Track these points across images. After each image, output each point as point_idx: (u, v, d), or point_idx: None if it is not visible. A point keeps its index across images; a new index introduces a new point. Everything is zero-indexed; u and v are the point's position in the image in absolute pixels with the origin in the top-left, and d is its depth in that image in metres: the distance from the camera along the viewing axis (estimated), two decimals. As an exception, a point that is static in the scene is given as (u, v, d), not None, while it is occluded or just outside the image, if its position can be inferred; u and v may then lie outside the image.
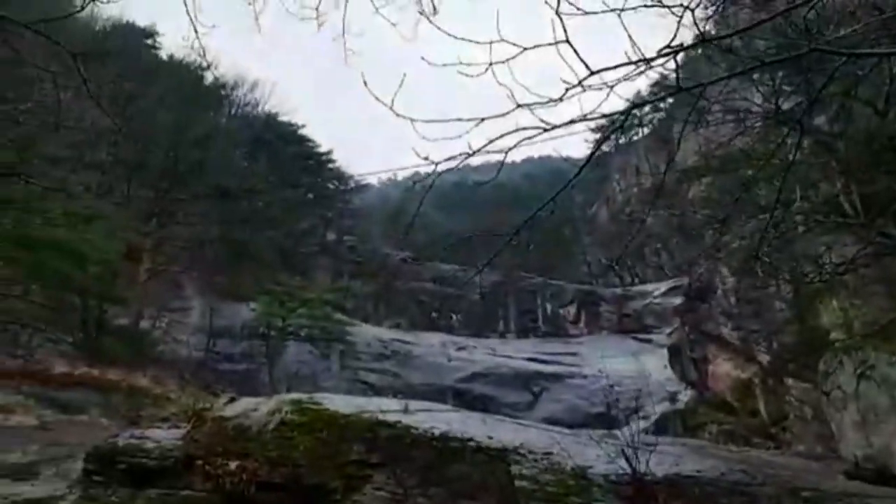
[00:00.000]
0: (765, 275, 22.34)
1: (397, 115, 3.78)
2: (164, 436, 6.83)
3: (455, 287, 41.97)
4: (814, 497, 6.06)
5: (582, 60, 3.24)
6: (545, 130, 4.81)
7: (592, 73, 3.28)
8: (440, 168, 4.67)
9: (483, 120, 3.75)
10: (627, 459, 5.71)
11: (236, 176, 38.36)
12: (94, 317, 26.66)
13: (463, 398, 27.31)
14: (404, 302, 43.09)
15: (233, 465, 6.17)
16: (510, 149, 5.18)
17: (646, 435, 11.17)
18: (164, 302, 31.44)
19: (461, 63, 3.42)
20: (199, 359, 30.86)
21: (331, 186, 52.13)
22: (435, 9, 6.00)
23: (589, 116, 4.94)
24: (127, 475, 6.52)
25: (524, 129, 4.75)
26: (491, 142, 5.06)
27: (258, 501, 6.15)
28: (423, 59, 3.91)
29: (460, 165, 5.24)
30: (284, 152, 45.60)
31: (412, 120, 3.66)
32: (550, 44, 3.27)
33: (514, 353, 32.85)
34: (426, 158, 4.64)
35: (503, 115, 3.76)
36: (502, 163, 5.05)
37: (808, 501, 5.99)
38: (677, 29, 3.46)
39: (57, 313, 23.89)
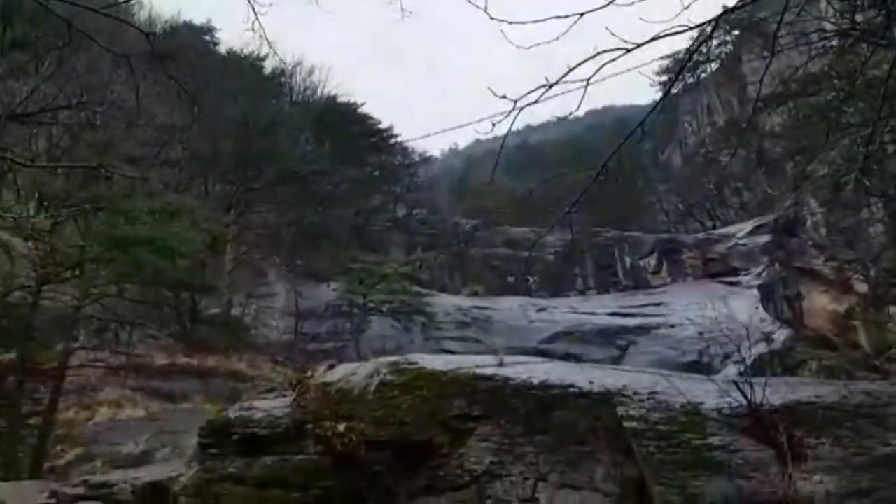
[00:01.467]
0: (856, 200, 21.09)
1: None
2: (271, 405, 7.06)
3: (528, 249, 41.68)
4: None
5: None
6: (628, 51, 4.55)
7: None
8: (520, 104, 4.50)
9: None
10: (741, 391, 5.46)
11: (304, 160, 39.12)
12: (188, 308, 27.96)
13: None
14: (479, 269, 43.10)
15: (341, 426, 6.31)
16: (591, 76, 4.94)
17: (744, 377, 10.79)
18: (251, 289, 32.64)
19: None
20: (288, 341, 31.96)
21: (396, 162, 52.47)
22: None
23: (674, 30, 4.63)
24: (240, 445, 6.78)
25: (603, 51, 4.51)
26: (570, 70, 4.83)
27: (368, 460, 6.28)
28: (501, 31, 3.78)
29: (541, 99, 5.01)
30: (347, 132, 46.09)
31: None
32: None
33: (596, 310, 32.37)
34: (503, 97, 4.48)
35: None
36: (584, 93, 4.82)
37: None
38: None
39: (153, 308, 25.12)
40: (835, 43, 13.84)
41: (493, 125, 4.79)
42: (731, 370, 22.60)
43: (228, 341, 27.57)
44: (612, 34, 3.88)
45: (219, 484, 6.66)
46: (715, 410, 5.49)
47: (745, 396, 5.37)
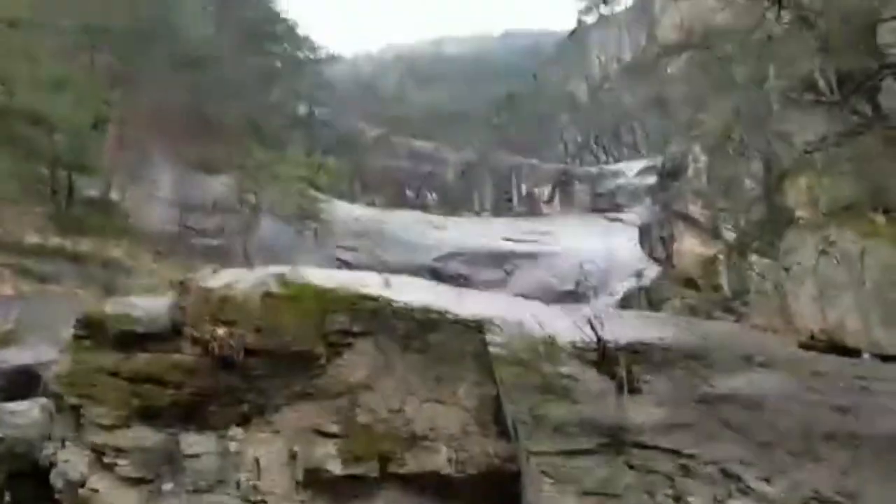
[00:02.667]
0: (736, 153, 22.62)
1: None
2: (150, 304, 7.07)
3: (430, 164, 41.81)
4: (765, 362, 6.59)
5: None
6: None
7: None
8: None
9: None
10: (593, 328, 6.12)
11: (202, 43, 36.58)
12: (63, 186, 26.28)
13: (438, 276, 27.99)
14: (379, 179, 42.90)
15: (220, 330, 6.47)
16: None
17: (611, 309, 11.80)
18: (133, 173, 30.94)
19: None
20: (171, 232, 30.74)
21: (300, 56, 50.00)
22: None
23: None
24: (117, 340, 6.80)
25: None
26: None
27: (247, 366, 6.52)
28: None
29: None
30: (251, 18, 43.25)
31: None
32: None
33: (488, 233, 33.36)
34: None
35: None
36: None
37: (760, 365, 6.52)
38: None
39: (26, 183, 23.51)
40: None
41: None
42: (603, 301, 24.37)
43: (106, 226, 26.32)
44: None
45: (93, 375, 6.70)
46: (569, 343, 6.14)
47: (595, 333, 6.02)
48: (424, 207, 39.16)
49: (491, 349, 6.13)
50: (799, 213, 16.01)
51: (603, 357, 6.02)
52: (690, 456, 5.50)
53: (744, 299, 22.85)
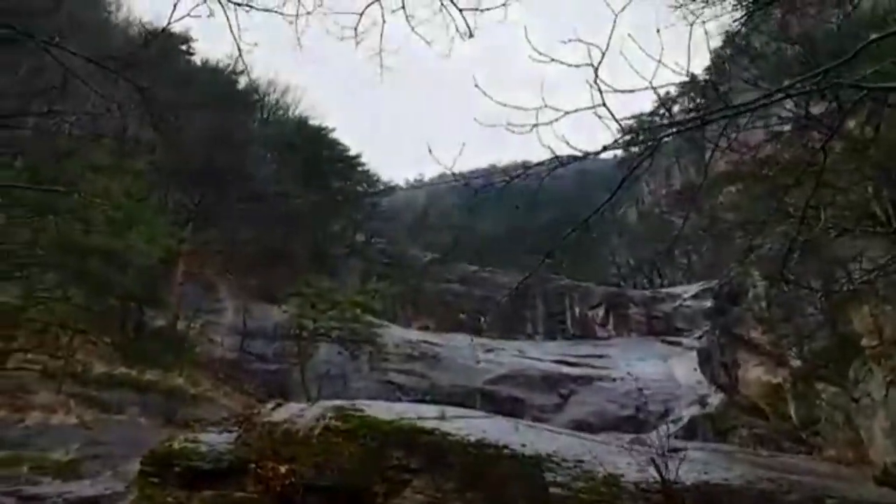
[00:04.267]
0: (795, 280, 22.14)
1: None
2: (216, 439, 7.25)
3: (482, 288, 42.20)
4: (840, 505, 6.24)
5: (617, 121, 3.57)
6: (578, 159, 5.12)
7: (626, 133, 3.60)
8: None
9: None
10: (657, 468, 5.96)
11: (269, 180, 39.06)
12: (134, 319, 27.51)
13: (491, 400, 27.53)
14: (432, 303, 43.46)
15: (282, 468, 6.57)
16: (545, 176, 5.52)
17: (675, 439, 11.38)
18: (200, 304, 32.19)
19: (509, 125, 3.73)
20: (232, 359, 31.53)
21: (359, 189, 52.59)
22: (471, 32, 6.33)
23: (618, 142, 5.24)
24: (182, 477, 6.95)
25: (559, 157, 5.06)
26: (527, 169, 5.40)
27: (306, 503, 6.55)
28: (475, 119, 4.26)
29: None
30: (315, 155, 46.13)
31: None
32: (589, 108, 3.59)
33: (542, 356, 32.98)
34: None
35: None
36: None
37: (832, 509, 6.18)
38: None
39: (97, 316, 24.68)
40: (789, 128, 14.85)
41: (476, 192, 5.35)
42: (666, 429, 23.33)
43: (171, 356, 27.14)
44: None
45: (159, 512, 6.82)
46: (632, 484, 5.97)
47: (659, 474, 5.85)
48: (477, 331, 39.18)
49: (551, 489, 6.02)
50: (865, 341, 15.48)
51: (668, 498, 5.83)
52: None
53: (814, 429, 21.62)
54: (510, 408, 26.97)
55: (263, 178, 38.42)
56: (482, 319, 41.17)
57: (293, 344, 30.85)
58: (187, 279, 31.44)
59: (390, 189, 58.90)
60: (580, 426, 22.77)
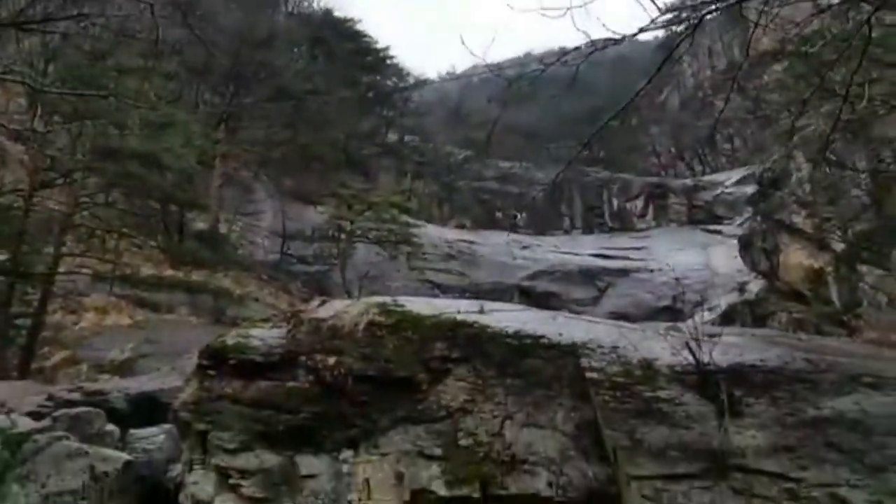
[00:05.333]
0: (839, 162, 21.51)
1: None
2: (267, 335, 7.63)
3: (518, 185, 41.96)
4: (874, 383, 6.34)
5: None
6: (616, 42, 4.94)
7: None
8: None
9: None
10: (691, 351, 6.11)
11: (297, 77, 38.58)
12: (175, 221, 28.32)
13: (528, 295, 28.03)
14: (467, 201, 43.47)
15: (331, 360, 6.94)
16: (582, 62, 5.35)
17: (711, 326, 11.50)
18: (238, 206, 32.88)
19: (542, 8, 3.60)
20: (274, 261, 32.46)
21: (390, 83, 51.49)
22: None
23: (655, 21, 5.02)
24: (236, 369, 7.40)
25: (595, 41, 4.89)
26: (565, 54, 5.24)
27: (355, 393, 6.95)
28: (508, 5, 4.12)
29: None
30: (342, 50, 45.09)
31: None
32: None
33: (579, 250, 33.12)
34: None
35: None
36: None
37: (869, 386, 6.28)
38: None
39: (140, 219, 25.46)
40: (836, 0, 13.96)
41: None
42: (703, 317, 23.60)
43: (215, 257, 28.04)
44: None
45: (217, 402, 7.32)
46: (667, 367, 6.15)
47: (694, 356, 6.01)
48: (514, 227, 39.37)
49: (587, 374, 6.25)
50: (911, 220, 15.05)
51: (703, 381, 5.99)
52: (796, 480, 5.38)
53: (855, 312, 21.62)
54: (547, 302, 27.47)
55: (292, 75, 37.93)
56: (518, 216, 41.22)
57: (332, 245, 31.54)
58: (224, 181, 31.94)
59: (421, 83, 57.53)
60: (617, 317, 23.21)
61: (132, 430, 9.71)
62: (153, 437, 9.67)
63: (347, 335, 7.13)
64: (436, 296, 28.67)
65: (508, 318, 7.38)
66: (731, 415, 5.71)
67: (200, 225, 29.95)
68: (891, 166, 21.47)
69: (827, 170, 23.49)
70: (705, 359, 6.03)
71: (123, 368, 17.37)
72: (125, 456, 8.48)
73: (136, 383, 13.26)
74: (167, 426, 9.58)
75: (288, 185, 36.08)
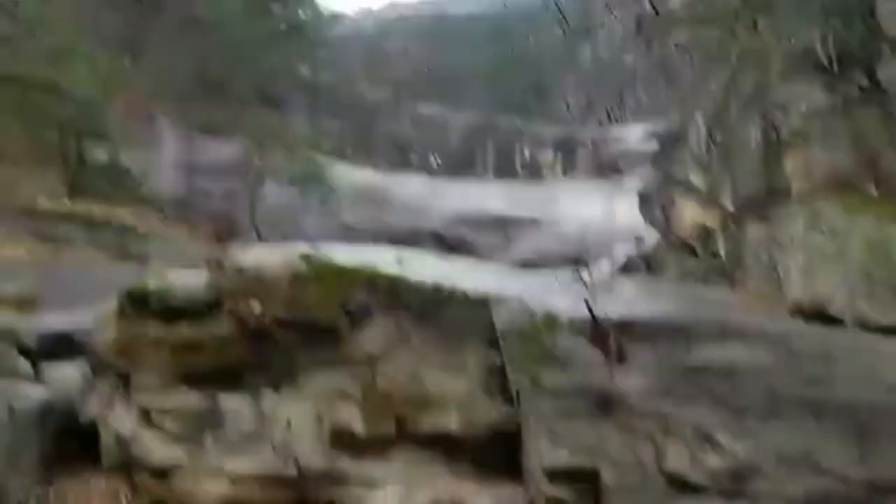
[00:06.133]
0: (735, 125, 23.03)
1: None
2: (188, 280, 7.80)
3: (434, 129, 42.06)
4: (741, 336, 7.33)
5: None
6: None
7: None
8: None
9: None
10: (588, 305, 6.88)
11: (207, 5, 36.58)
12: (74, 152, 26.81)
13: (440, 241, 28.68)
14: (382, 143, 43.19)
15: (256, 307, 7.26)
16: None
17: (611, 277, 12.51)
18: (141, 138, 31.36)
19: None
20: (179, 196, 31.30)
21: (303, 16, 49.58)
22: None
23: None
24: (158, 314, 7.58)
25: None
26: None
27: (277, 337, 7.34)
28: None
29: None
30: (256, -21, 42.88)
31: None
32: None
33: (492, 198, 33.90)
34: None
35: None
36: None
37: (737, 338, 7.26)
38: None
39: (39, 149, 24.05)
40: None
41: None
42: (603, 267, 24.96)
43: (116, 191, 26.94)
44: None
45: (138, 343, 7.52)
46: (566, 318, 6.95)
47: (589, 310, 6.80)
48: (428, 172, 39.56)
49: (496, 324, 6.93)
50: (795, 184, 16.57)
51: (596, 331, 6.79)
52: (670, 418, 6.28)
53: (739, 266, 23.50)
54: (459, 249, 28.23)
55: (202, 3, 35.93)
56: (433, 161, 41.46)
57: (240, 182, 30.70)
58: (127, 112, 30.30)
59: (337, 18, 55.71)
60: (525, 266, 24.26)
61: (44, 367, 9.65)
62: (65, 374, 9.65)
63: (271, 283, 7.44)
64: (350, 240, 28.79)
65: (426, 269, 7.91)
66: (618, 362, 6.55)
67: (101, 156, 28.47)
68: (780, 134, 23.18)
69: (724, 133, 25.01)
70: (599, 312, 6.82)
71: (27, 304, 16.74)
72: (42, 392, 8.50)
73: (44, 320, 12.93)
74: (79, 364, 9.60)
75: (195, 118, 34.58)
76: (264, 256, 7.85)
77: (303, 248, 7.95)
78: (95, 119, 25.77)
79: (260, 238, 27.75)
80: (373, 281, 7.37)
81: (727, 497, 5.99)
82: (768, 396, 6.34)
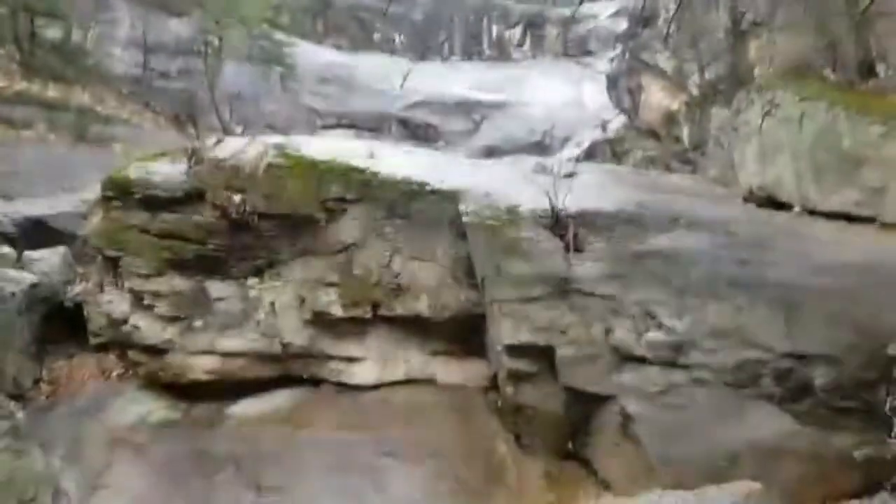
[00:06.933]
0: (706, 5, 22.73)
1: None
2: (168, 170, 8.05)
3: (398, 3, 40.38)
4: (689, 223, 7.97)
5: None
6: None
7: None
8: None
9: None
10: (549, 198, 7.41)
11: None
12: (26, 30, 25.53)
13: (405, 125, 28.55)
14: (344, 19, 41.41)
15: (236, 198, 7.62)
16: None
17: (575, 163, 12.98)
18: (93, 14, 29.78)
19: None
20: (135, 75, 30.22)
21: None
22: None
23: None
24: (142, 203, 7.90)
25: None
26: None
27: (259, 228, 7.78)
28: None
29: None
30: None
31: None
32: None
33: (458, 80, 33.42)
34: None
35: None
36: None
37: (685, 226, 7.90)
38: None
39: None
40: None
41: None
42: (568, 153, 25.45)
43: (70, 70, 25.98)
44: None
45: (125, 231, 7.88)
46: (529, 211, 7.48)
47: (550, 203, 7.33)
48: (392, 51, 38.44)
49: (464, 217, 7.45)
50: (757, 69, 16.81)
51: (556, 223, 7.37)
52: (619, 299, 6.99)
53: (702, 151, 23.98)
54: (425, 133, 28.19)
55: None
56: (397, 39, 40.16)
57: (198, 61, 29.60)
58: (78, -12, 28.57)
59: None
60: (490, 151, 24.54)
61: (26, 252, 9.96)
62: (48, 260, 10.00)
63: (249, 176, 7.77)
64: (313, 124, 28.46)
65: (397, 162, 8.30)
66: (575, 251, 7.18)
67: (52, 34, 27.12)
68: (747, 14, 22.98)
69: (693, 12, 24.69)
70: (559, 204, 7.36)
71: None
72: (30, 276, 8.87)
73: (13, 207, 13.00)
74: (60, 249, 9.94)
75: (148, -8, 32.67)
76: (239, 148, 8.09)
77: (276, 140, 8.21)
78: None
79: (221, 122, 27.28)
80: (346, 175, 7.75)
81: (666, 366, 6.65)
82: (707, 278, 6.97)
